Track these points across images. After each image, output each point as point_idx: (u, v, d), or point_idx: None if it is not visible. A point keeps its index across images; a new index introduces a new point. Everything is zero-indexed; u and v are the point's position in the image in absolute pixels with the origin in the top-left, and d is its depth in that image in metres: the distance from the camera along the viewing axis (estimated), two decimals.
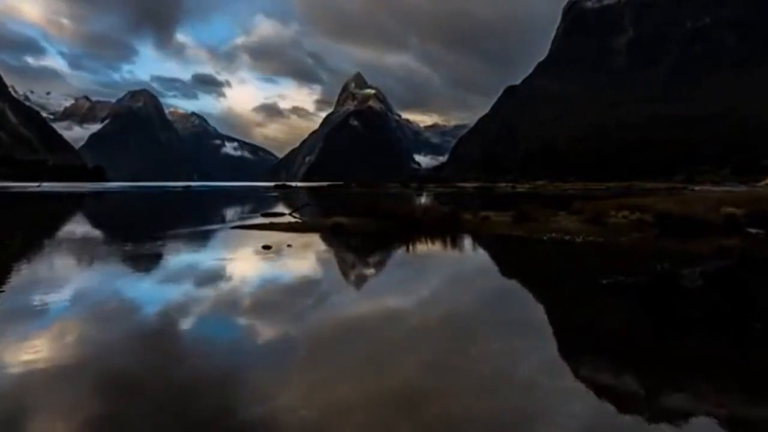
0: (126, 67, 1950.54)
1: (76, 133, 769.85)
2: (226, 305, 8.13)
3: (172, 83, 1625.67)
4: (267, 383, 4.98)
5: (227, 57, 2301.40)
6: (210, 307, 7.99)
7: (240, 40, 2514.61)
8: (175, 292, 8.96)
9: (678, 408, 4.57)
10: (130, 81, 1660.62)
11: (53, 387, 4.90)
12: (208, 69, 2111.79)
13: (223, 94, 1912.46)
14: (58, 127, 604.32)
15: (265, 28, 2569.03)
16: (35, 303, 8.04)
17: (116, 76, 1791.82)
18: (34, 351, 5.82)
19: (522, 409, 4.44)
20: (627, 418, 4.30)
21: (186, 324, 7.11)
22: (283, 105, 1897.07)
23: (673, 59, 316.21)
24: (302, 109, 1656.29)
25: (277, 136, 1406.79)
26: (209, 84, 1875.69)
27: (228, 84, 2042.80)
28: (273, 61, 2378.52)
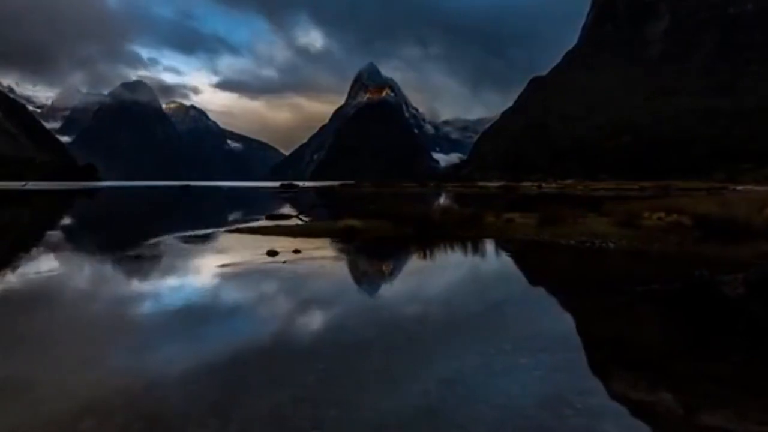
0: None
1: (65, 129, 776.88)
2: (225, 319, 8.24)
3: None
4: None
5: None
6: (206, 321, 8.01)
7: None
8: (163, 306, 8.95)
9: (718, 427, 4.53)
10: None
11: None
12: None
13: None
14: (46, 121, 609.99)
15: None
16: None
17: None
18: None
19: (551, 428, 4.44)
20: None
21: (169, 346, 7.11)
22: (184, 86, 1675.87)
23: (712, 49, 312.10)
24: (200, 90, 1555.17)
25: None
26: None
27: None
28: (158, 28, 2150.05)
